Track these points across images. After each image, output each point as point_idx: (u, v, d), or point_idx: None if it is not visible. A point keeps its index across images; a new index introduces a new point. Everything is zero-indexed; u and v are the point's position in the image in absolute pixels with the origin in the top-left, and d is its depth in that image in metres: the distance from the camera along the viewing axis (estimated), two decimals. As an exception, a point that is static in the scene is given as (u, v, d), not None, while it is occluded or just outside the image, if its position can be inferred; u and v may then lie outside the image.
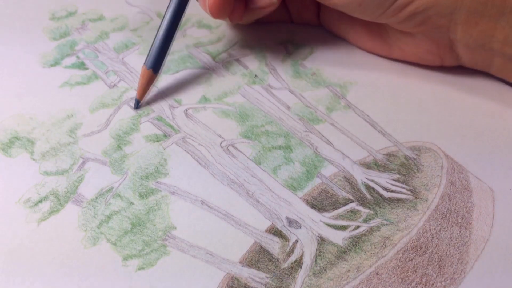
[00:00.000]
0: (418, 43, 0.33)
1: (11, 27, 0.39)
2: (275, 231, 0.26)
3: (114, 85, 0.34)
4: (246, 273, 0.24)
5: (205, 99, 0.33)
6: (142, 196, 0.27)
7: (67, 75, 0.35)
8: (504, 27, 0.29)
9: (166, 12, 0.31)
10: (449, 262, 0.24)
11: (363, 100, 0.33)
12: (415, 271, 0.24)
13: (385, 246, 0.25)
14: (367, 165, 0.29)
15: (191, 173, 0.28)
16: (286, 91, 0.34)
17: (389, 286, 0.23)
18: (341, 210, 0.27)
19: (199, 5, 0.33)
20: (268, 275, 0.24)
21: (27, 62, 0.36)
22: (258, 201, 0.27)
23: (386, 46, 0.35)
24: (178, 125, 0.31)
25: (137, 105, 0.32)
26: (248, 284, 0.24)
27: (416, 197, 0.27)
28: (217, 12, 0.31)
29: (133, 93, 0.33)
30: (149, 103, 0.33)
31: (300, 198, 0.27)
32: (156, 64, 0.31)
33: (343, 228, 0.26)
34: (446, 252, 0.25)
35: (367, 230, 0.26)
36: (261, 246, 0.25)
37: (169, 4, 0.31)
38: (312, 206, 0.27)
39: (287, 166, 0.29)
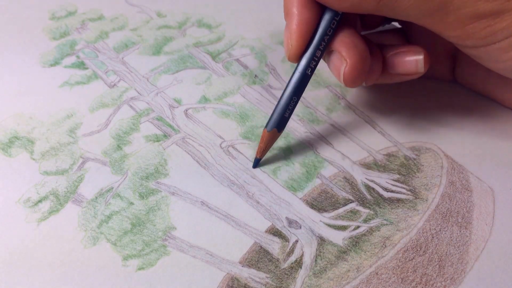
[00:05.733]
0: None
1: (11, 27, 0.39)
2: (275, 232, 0.26)
3: (114, 84, 0.34)
4: (246, 273, 0.24)
5: (205, 99, 0.33)
6: (142, 196, 0.27)
7: (67, 75, 0.35)
8: None
9: (295, 73, 0.28)
10: (449, 262, 0.24)
11: (363, 100, 0.33)
12: (415, 271, 0.24)
13: (385, 246, 0.25)
14: (367, 166, 0.29)
15: (191, 174, 0.28)
16: (286, 91, 0.34)
17: (389, 286, 0.23)
18: (341, 210, 0.27)
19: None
20: (268, 275, 0.24)
21: (27, 62, 0.36)
22: (258, 202, 0.27)
23: None
24: (178, 125, 0.31)
25: (256, 164, 0.29)
26: (248, 284, 0.24)
27: (416, 197, 0.27)
28: (353, 83, 0.27)
29: (133, 93, 0.33)
30: (150, 107, 0.33)
31: (300, 198, 0.27)
32: (283, 124, 0.28)
33: (343, 228, 0.26)
34: (446, 252, 0.25)
35: (367, 230, 0.26)
36: (261, 247, 0.25)
37: (298, 65, 0.28)
38: (312, 206, 0.27)
39: (287, 167, 0.29)
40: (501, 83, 0.30)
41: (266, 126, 0.28)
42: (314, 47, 0.27)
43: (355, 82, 0.27)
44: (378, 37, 0.32)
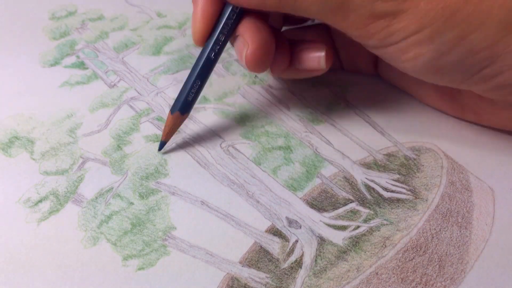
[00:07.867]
0: (499, 111, 0.28)
1: (11, 27, 0.39)
2: (275, 231, 0.26)
3: (114, 84, 0.34)
4: (246, 273, 0.24)
5: (205, 99, 0.33)
6: (142, 196, 0.27)
7: (67, 75, 0.35)
8: None
9: (199, 56, 0.29)
10: (449, 262, 0.24)
11: (363, 100, 0.33)
12: (415, 271, 0.24)
13: (385, 246, 0.25)
14: (367, 165, 0.29)
15: (191, 174, 0.28)
16: (286, 91, 0.34)
17: (389, 286, 0.23)
18: (341, 210, 0.27)
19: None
20: (268, 275, 0.24)
21: (27, 62, 0.36)
22: (258, 202, 0.27)
23: (458, 107, 0.31)
24: (178, 125, 0.31)
25: (161, 147, 0.29)
26: (248, 284, 0.24)
27: (416, 197, 0.27)
28: (254, 66, 0.28)
29: (133, 93, 0.33)
30: (150, 107, 0.33)
31: (300, 198, 0.27)
32: (186, 108, 0.29)
33: (343, 228, 0.26)
34: (446, 252, 0.25)
35: (367, 230, 0.26)
36: (261, 246, 0.25)
37: (202, 49, 0.28)
38: (312, 206, 0.27)
39: (287, 167, 0.29)
40: (416, 79, 0.29)
41: (170, 109, 0.29)
42: (218, 31, 0.28)
43: (257, 66, 0.28)
44: (301, 32, 0.33)
